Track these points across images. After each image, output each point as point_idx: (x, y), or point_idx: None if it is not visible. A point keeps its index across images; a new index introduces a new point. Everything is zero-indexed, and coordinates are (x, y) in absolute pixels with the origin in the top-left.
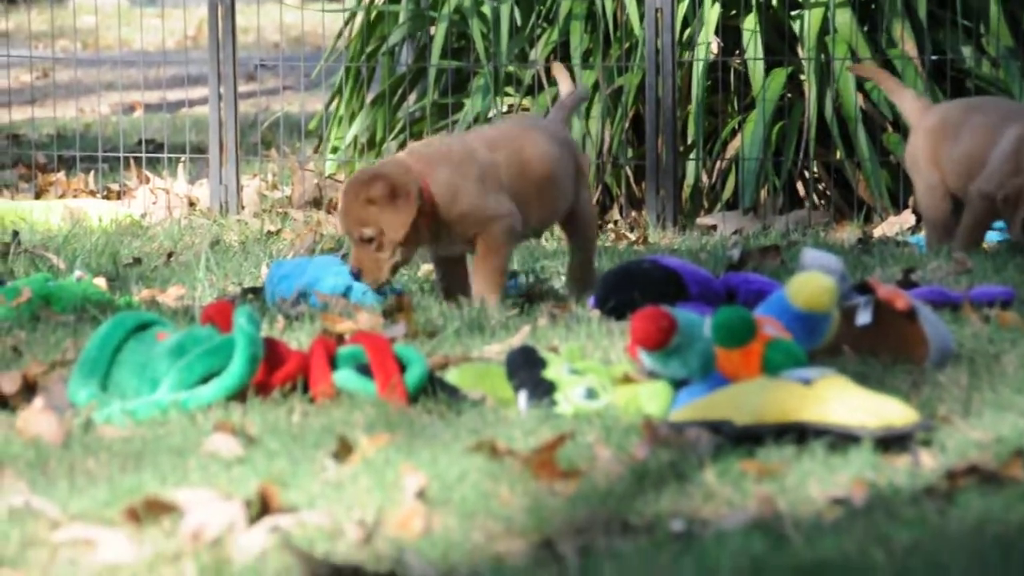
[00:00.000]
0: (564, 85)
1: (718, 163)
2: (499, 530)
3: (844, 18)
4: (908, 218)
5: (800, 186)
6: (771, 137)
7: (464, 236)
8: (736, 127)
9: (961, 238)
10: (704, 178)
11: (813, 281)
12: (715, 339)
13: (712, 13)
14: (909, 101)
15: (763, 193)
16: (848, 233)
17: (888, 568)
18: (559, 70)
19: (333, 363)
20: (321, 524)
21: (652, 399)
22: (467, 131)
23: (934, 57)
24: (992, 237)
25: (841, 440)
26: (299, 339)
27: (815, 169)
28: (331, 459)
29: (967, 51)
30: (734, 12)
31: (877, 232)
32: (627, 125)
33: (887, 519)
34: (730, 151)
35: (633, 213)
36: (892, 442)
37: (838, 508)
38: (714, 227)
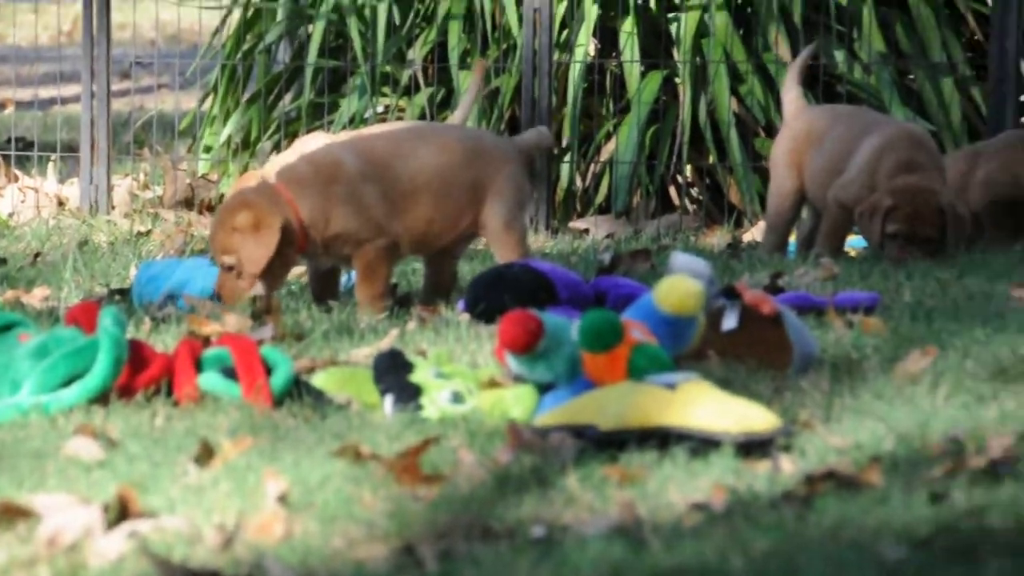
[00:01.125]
0: (472, 88)
1: (592, 166)
2: (360, 535)
3: (720, 21)
4: None
5: (672, 190)
6: (645, 140)
7: (339, 256)
8: (611, 130)
9: (820, 244)
10: (578, 181)
11: (680, 285)
12: (581, 343)
13: (590, 14)
14: (791, 100)
15: (636, 197)
16: (719, 238)
17: (745, 573)
18: (478, 68)
19: (198, 366)
20: (180, 529)
21: (517, 403)
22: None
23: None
24: (856, 244)
25: (703, 445)
26: (165, 341)
27: (688, 173)
28: (193, 463)
29: (840, 56)
30: (612, 14)
31: (747, 237)
32: (503, 127)
33: (746, 524)
34: (604, 154)
35: None
36: (753, 447)
37: (698, 513)
38: (586, 231)
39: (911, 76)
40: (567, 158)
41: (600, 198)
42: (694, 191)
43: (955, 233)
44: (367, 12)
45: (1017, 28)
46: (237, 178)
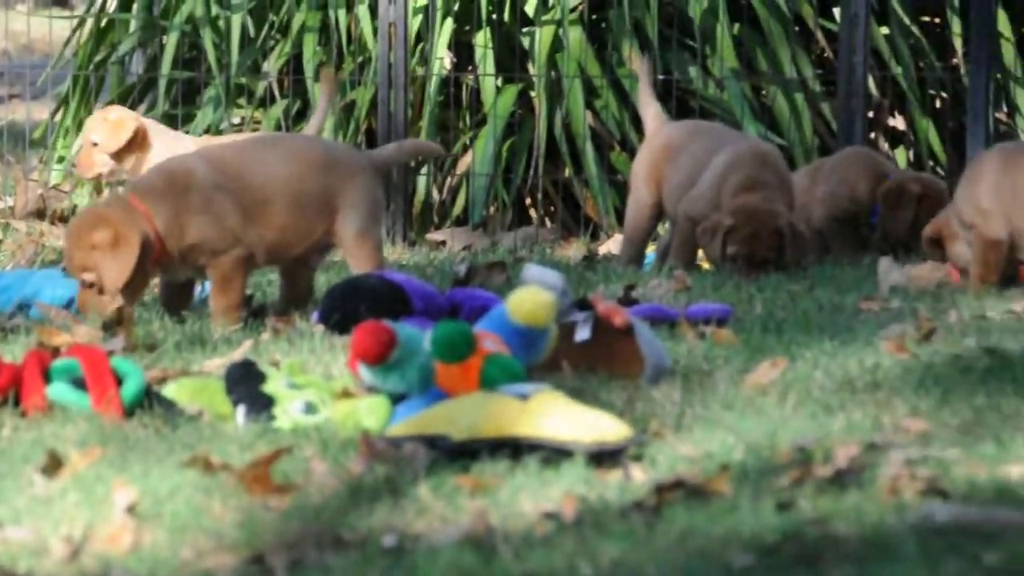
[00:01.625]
0: (322, 99)
1: (449, 179)
2: (209, 545)
3: (574, 36)
4: None
5: (529, 203)
6: (502, 153)
7: (195, 267)
8: (467, 143)
9: (673, 257)
10: (435, 194)
11: (532, 296)
12: (434, 353)
13: (445, 28)
14: (651, 117)
15: (493, 209)
16: (574, 250)
17: None
18: (326, 79)
19: (47, 376)
20: (25, 540)
21: (370, 413)
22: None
23: (662, 76)
24: None
25: (555, 455)
26: (14, 352)
27: (544, 186)
28: (40, 474)
29: (693, 71)
30: (467, 28)
31: (603, 249)
32: (360, 139)
33: (596, 533)
34: (461, 167)
35: None
36: (604, 457)
37: (549, 522)
38: (443, 243)
39: (764, 92)
40: (424, 170)
41: (457, 210)
42: (550, 204)
43: (794, 253)
44: (221, 24)
45: (864, 44)
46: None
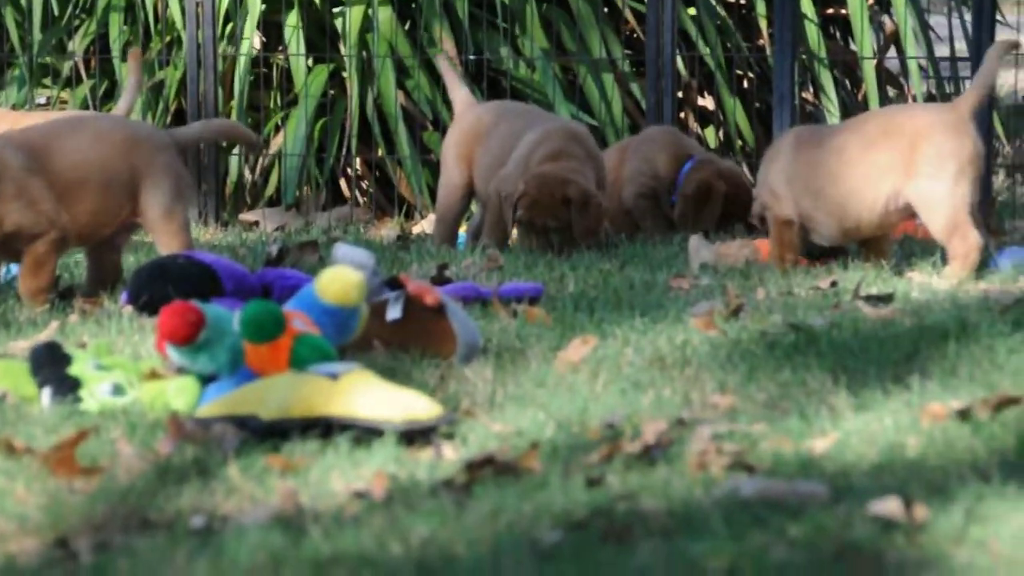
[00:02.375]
0: (131, 79)
1: (261, 159)
2: (12, 529)
3: (384, 16)
4: None
5: (343, 183)
6: (314, 134)
7: (11, 251)
8: (279, 123)
9: (486, 235)
10: (247, 174)
11: (341, 276)
12: (243, 334)
13: (254, 8)
14: (460, 98)
15: (306, 189)
16: (388, 230)
17: (404, 560)
18: (133, 59)
19: None
20: None
21: (179, 395)
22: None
23: (472, 57)
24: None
25: (366, 434)
26: None
27: (357, 166)
28: None
29: (504, 52)
30: (276, 8)
31: (416, 229)
32: (169, 120)
33: (406, 511)
34: (273, 147)
35: None
36: (416, 436)
37: (359, 501)
38: (256, 223)
39: (574, 72)
40: (236, 150)
41: (270, 191)
42: (364, 183)
43: (584, 224)
44: (23, 2)
45: (672, 25)
46: None
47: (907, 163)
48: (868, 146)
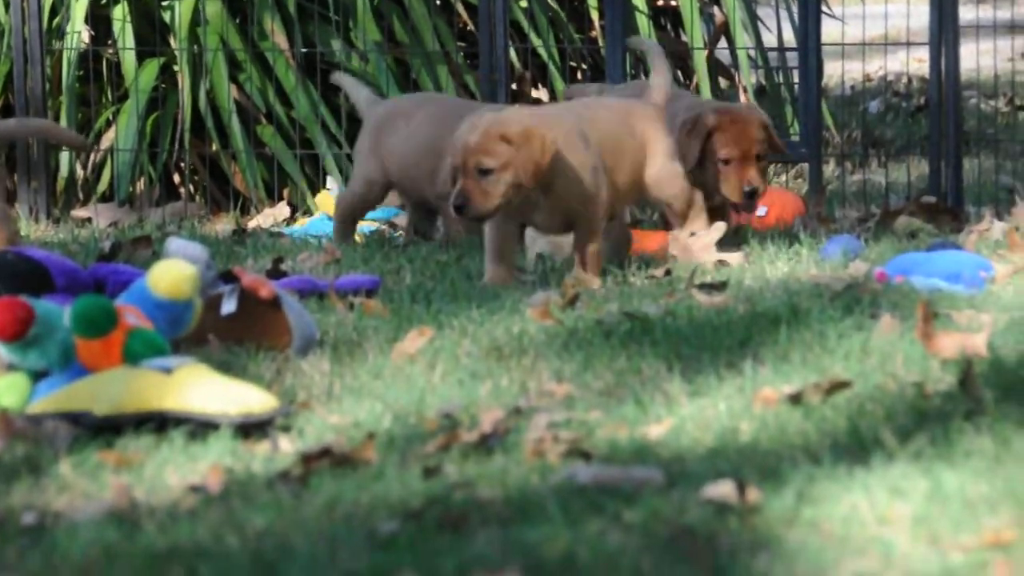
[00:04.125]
0: None
1: (93, 155)
2: None
3: (215, 9)
4: (283, 210)
5: (177, 178)
6: (146, 128)
7: None
8: (110, 118)
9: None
10: (79, 170)
11: (173, 269)
12: (74, 329)
13: (81, 2)
14: (363, 98)
15: (139, 185)
16: (224, 224)
17: (241, 552)
18: None
19: None
20: None
21: (9, 392)
22: None
23: (305, 50)
24: None
25: (202, 428)
26: None
27: (191, 161)
28: None
29: (336, 44)
30: (104, 2)
31: (252, 223)
32: None
33: (243, 504)
34: (105, 142)
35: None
36: (252, 429)
37: (194, 495)
38: (89, 220)
39: (408, 64)
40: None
41: (103, 186)
42: (198, 178)
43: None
44: None
45: (504, 17)
46: None
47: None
48: None
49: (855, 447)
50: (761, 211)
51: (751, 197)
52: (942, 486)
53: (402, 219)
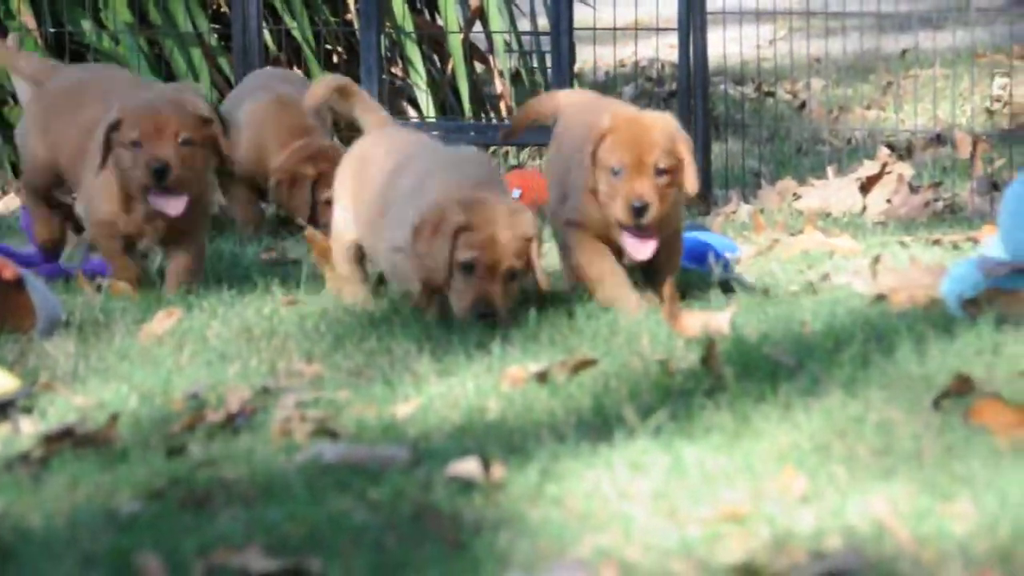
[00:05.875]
0: None
1: None
2: None
3: None
4: None
5: None
6: None
7: None
8: None
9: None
10: None
11: None
12: None
13: None
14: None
15: None
16: None
17: None
18: None
19: None
20: None
21: None
22: None
23: (53, 30)
24: None
25: None
26: None
27: None
28: None
29: (87, 25)
30: None
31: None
32: None
33: None
34: None
35: None
36: None
37: None
38: None
39: (160, 46)
40: None
41: None
42: None
43: None
44: None
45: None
46: None
47: None
48: None
49: (599, 424)
50: (515, 193)
51: None
52: (682, 461)
53: None
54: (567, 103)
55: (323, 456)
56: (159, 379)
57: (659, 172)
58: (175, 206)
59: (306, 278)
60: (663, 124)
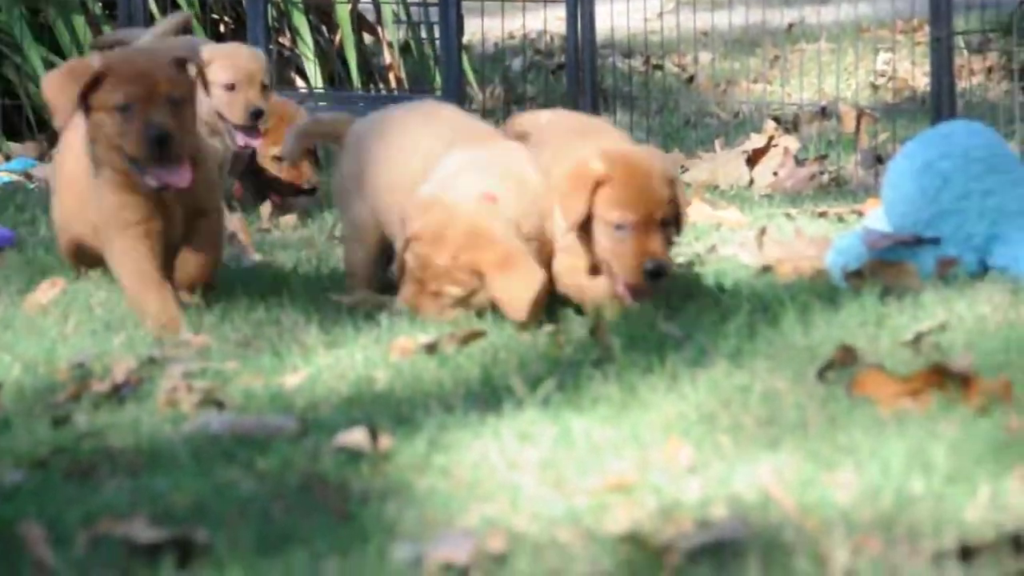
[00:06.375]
0: None
1: None
2: None
3: None
4: None
5: None
6: None
7: None
8: None
9: None
10: None
11: None
12: None
13: None
14: None
15: None
16: None
17: None
18: None
19: None
20: None
21: None
22: None
23: None
24: None
25: None
26: None
27: None
28: None
29: None
30: None
31: None
32: None
33: None
34: None
35: None
36: None
37: None
38: None
39: (44, 14)
40: None
41: None
42: None
43: None
44: None
45: None
46: None
47: None
48: None
49: (487, 394)
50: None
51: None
52: (570, 431)
53: (39, 170)
54: (548, 125)
55: (210, 426)
56: (43, 349)
57: (664, 224)
58: (183, 176)
59: None
60: (661, 169)
